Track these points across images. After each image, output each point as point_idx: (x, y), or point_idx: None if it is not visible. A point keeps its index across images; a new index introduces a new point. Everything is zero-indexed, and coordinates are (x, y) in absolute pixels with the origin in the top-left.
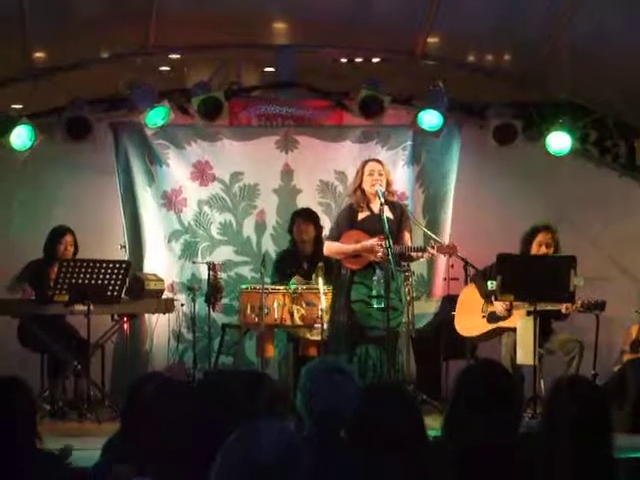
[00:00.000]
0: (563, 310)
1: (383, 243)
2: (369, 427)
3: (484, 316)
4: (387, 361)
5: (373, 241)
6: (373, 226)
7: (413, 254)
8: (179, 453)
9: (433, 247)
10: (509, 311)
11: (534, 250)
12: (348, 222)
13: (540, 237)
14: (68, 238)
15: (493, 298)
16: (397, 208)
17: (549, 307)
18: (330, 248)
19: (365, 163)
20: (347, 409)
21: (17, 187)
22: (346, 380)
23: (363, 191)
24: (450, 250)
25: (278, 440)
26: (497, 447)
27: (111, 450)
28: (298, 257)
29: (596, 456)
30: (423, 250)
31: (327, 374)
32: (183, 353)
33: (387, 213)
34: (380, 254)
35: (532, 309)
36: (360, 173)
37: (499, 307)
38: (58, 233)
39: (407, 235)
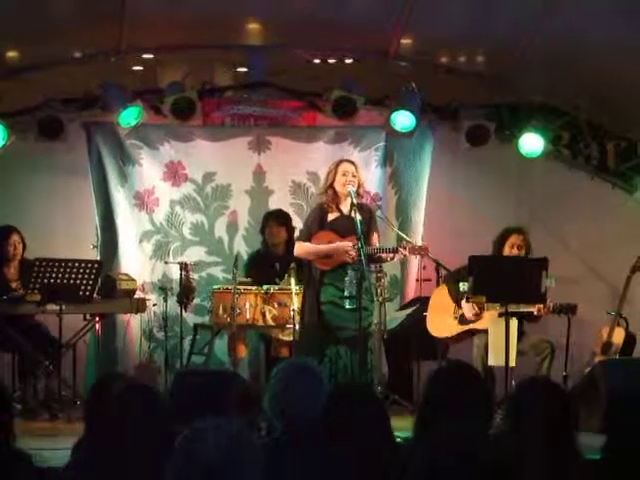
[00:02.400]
0: (535, 312)
1: (356, 244)
2: (337, 427)
3: (456, 317)
4: (358, 362)
5: (346, 243)
6: (343, 227)
7: (383, 255)
8: (143, 453)
9: (405, 248)
10: (478, 315)
11: (506, 252)
12: (318, 223)
13: (512, 239)
14: (15, 237)
15: (464, 300)
16: (366, 210)
17: (521, 309)
18: (301, 249)
19: (339, 163)
20: (313, 409)
21: None
22: (312, 380)
23: (334, 191)
24: (422, 251)
25: (223, 439)
26: (467, 450)
27: (81, 450)
28: (270, 258)
29: (563, 455)
30: (395, 251)
31: (293, 375)
32: (153, 352)
33: (356, 215)
34: (353, 255)
35: (504, 311)
36: (333, 172)
37: (467, 312)
38: (4, 233)
39: (375, 237)
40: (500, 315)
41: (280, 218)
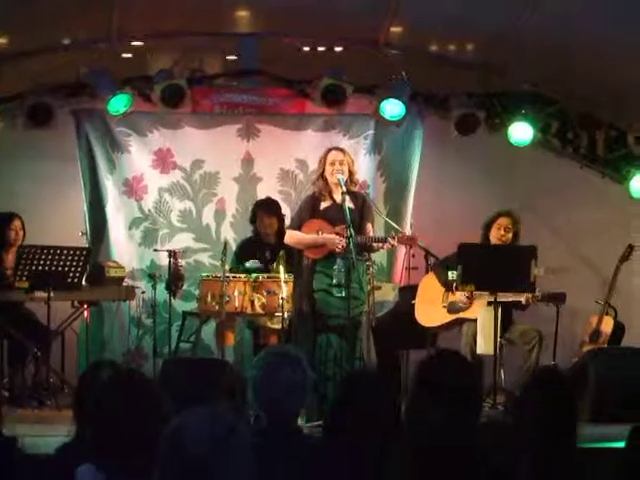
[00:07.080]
0: (523, 301)
1: (345, 233)
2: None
3: (444, 306)
4: (348, 350)
5: (334, 236)
6: (335, 215)
7: (374, 244)
8: (133, 442)
9: (394, 238)
10: (469, 299)
11: (493, 233)
12: (310, 211)
13: (500, 220)
14: (17, 223)
15: (454, 288)
16: (359, 198)
17: (510, 298)
18: (291, 237)
19: (328, 152)
20: (293, 397)
21: None
22: (290, 368)
23: (325, 180)
24: (410, 241)
25: (208, 429)
26: (455, 439)
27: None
28: (260, 246)
29: (561, 447)
30: (384, 241)
31: (271, 363)
32: (141, 338)
33: (349, 203)
34: (341, 246)
35: (493, 299)
36: (323, 162)
37: (460, 297)
38: (6, 219)
39: (369, 225)
40: (489, 304)
41: (270, 209)
